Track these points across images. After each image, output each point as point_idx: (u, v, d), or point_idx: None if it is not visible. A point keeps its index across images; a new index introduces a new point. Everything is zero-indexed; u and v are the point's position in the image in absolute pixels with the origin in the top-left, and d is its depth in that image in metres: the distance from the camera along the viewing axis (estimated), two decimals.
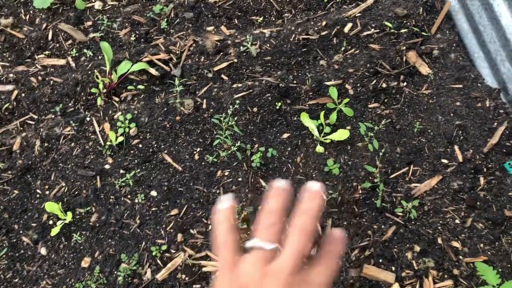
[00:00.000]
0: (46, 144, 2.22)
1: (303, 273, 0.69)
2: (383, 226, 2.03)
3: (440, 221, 2.00)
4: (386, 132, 2.24)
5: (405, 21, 2.48)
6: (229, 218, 0.76)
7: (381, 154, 2.15)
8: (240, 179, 2.17)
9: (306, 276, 0.69)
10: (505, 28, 2.21)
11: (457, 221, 1.98)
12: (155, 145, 2.25)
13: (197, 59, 2.47)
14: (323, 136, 2.23)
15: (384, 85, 2.37)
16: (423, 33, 2.44)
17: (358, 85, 2.38)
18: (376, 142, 2.16)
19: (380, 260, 1.96)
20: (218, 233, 0.74)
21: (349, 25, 2.51)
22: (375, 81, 2.38)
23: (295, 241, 0.71)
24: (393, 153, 2.19)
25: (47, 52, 2.46)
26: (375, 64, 2.41)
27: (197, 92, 2.40)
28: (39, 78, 2.36)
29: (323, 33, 2.52)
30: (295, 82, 2.42)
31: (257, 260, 0.69)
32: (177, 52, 2.47)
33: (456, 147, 2.14)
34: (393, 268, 1.94)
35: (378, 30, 2.48)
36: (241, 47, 2.49)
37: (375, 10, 2.54)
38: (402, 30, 2.45)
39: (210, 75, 2.44)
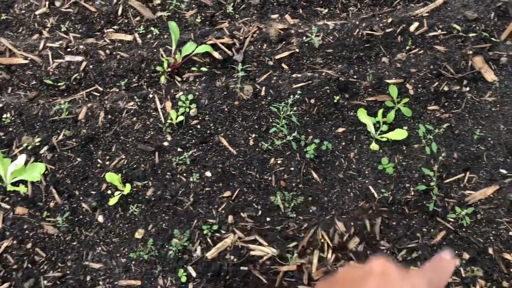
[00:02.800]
0: (109, 116, 2.31)
1: None
2: (432, 230, 2.03)
3: (493, 232, 1.98)
4: (444, 136, 2.22)
5: (474, 25, 2.42)
6: None
7: (439, 158, 2.13)
8: (292, 168, 2.20)
9: None
10: None
11: (511, 233, 1.96)
12: (213, 127, 2.30)
13: (259, 46, 2.50)
14: (379, 134, 2.23)
15: (446, 88, 2.33)
16: (492, 39, 2.38)
17: (419, 85, 2.36)
18: (435, 145, 2.14)
19: None
20: None
21: (415, 24, 2.48)
22: (437, 83, 2.35)
23: None
24: (450, 158, 2.16)
25: (115, 27, 2.53)
26: (439, 66, 2.38)
27: (256, 79, 2.43)
28: (107, 51, 2.44)
29: (387, 30, 2.50)
30: (355, 77, 2.42)
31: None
32: (241, 37, 2.50)
33: None
34: None
35: (445, 32, 2.44)
36: (304, 38, 2.50)
37: (444, 11, 2.49)
38: (470, 34, 2.40)
39: (271, 63, 2.47)
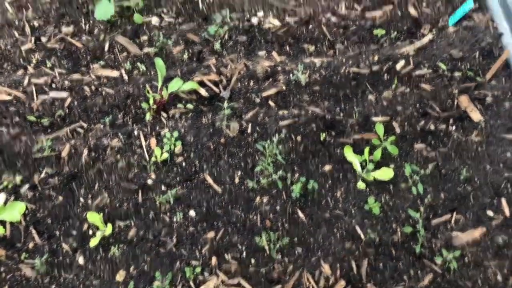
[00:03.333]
0: (93, 154, 2.28)
1: None
2: (420, 273, 1.99)
3: (481, 275, 1.94)
4: (431, 176, 2.21)
5: (459, 64, 2.44)
6: None
7: (425, 199, 2.11)
8: (278, 207, 2.17)
9: None
10: None
11: (499, 277, 1.93)
12: (198, 165, 2.28)
13: (246, 83, 2.50)
14: (365, 173, 2.21)
15: (432, 127, 2.33)
16: (478, 78, 2.40)
17: (406, 124, 2.36)
18: (421, 187, 2.13)
19: None
20: None
21: (402, 62, 2.50)
22: (423, 121, 2.35)
23: None
24: (437, 198, 2.14)
25: (102, 63, 2.53)
26: (425, 104, 2.38)
27: (243, 116, 2.42)
28: (92, 87, 2.43)
29: (374, 68, 2.51)
30: (341, 114, 2.41)
31: None
32: (228, 74, 2.50)
33: (503, 200, 2.09)
34: None
35: (431, 71, 2.46)
36: (291, 75, 2.50)
37: (430, 50, 2.51)
38: (456, 73, 2.41)
39: (257, 100, 2.46)
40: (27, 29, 2.55)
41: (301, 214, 2.14)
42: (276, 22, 2.64)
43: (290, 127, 2.36)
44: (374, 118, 2.38)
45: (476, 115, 2.31)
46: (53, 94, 2.39)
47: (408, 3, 2.66)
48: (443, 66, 2.44)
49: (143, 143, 2.31)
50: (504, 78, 2.38)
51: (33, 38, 2.54)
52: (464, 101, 2.35)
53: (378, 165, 2.26)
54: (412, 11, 2.64)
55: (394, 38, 2.62)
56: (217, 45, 2.58)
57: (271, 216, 2.15)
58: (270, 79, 2.52)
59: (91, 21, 2.61)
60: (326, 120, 2.38)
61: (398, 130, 2.35)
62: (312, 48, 2.62)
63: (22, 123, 2.35)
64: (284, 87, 2.48)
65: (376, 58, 2.52)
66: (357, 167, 2.23)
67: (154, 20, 2.62)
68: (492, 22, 2.54)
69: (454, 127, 2.32)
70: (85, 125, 2.37)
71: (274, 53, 2.60)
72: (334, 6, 2.69)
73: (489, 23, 2.53)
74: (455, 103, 2.36)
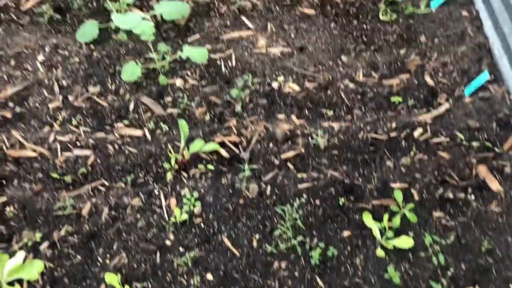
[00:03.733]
0: (113, 213, 2.29)
1: None
2: None
3: None
4: (451, 245, 2.19)
5: (476, 134, 2.48)
6: None
7: (446, 270, 2.09)
8: (297, 273, 2.15)
9: None
10: None
11: None
12: (216, 227, 2.28)
13: (266, 145, 2.54)
14: (385, 240, 2.20)
15: (450, 195, 2.34)
16: (495, 149, 2.43)
17: (424, 191, 2.37)
18: (442, 257, 2.11)
19: None
20: None
21: (419, 130, 2.54)
22: (442, 189, 2.36)
23: None
24: (458, 269, 2.12)
25: (126, 122, 2.59)
26: (443, 172, 2.40)
27: (262, 178, 2.44)
28: (116, 146, 2.48)
29: (392, 134, 2.55)
30: (360, 179, 2.43)
31: None
32: (248, 136, 2.55)
33: None
34: None
35: (448, 139, 2.49)
36: (310, 138, 2.54)
37: (447, 119, 2.56)
38: (474, 143, 2.45)
39: (276, 162, 2.49)
40: (56, 88, 2.64)
41: (320, 282, 2.12)
42: (296, 87, 2.72)
43: (309, 190, 2.38)
44: (393, 185, 2.39)
45: (495, 185, 2.32)
46: (77, 151, 2.44)
47: (425, 72, 2.73)
48: (460, 135, 2.48)
49: (163, 203, 2.32)
50: None
51: (61, 97, 2.62)
52: (482, 170, 2.37)
53: (397, 232, 2.26)
54: (429, 80, 2.71)
55: (411, 106, 2.68)
56: (238, 107, 2.64)
57: (289, 283, 2.12)
58: (289, 142, 2.56)
59: (117, 82, 2.69)
60: (345, 184, 2.40)
61: (416, 197, 2.35)
62: (330, 112, 2.68)
63: (45, 180, 2.39)
64: (303, 150, 2.52)
65: (393, 124, 2.57)
66: (377, 234, 2.22)
67: (179, 82, 2.71)
68: (508, 94, 2.60)
69: (473, 196, 2.32)
70: (106, 183, 2.40)
71: (293, 117, 2.66)
72: (352, 73, 2.77)
73: (505, 95, 2.60)
74: (474, 172, 2.38)
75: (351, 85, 2.74)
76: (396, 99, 2.69)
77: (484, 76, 2.60)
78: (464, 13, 2.92)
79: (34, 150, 2.43)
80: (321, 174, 2.45)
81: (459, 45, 2.82)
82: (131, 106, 2.63)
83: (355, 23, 3.01)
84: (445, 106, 2.61)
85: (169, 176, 2.41)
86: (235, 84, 2.72)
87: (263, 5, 3.02)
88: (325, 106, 2.72)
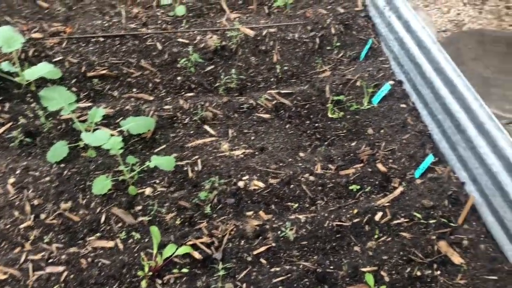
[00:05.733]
0: None
1: None
2: None
3: None
4: None
5: (432, 212, 2.67)
6: None
7: None
8: None
9: None
10: None
11: None
12: None
13: (237, 243, 2.61)
14: None
15: (418, 273, 2.44)
16: (451, 224, 2.61)
17: (393, 272, 2.46)
18: None
19: None
20: None
21: (379, 213, 2.70)
22: (409, 268, 2.47)
23: None
24: None
25: (98, 234, 2.63)
26: (408, 252, 2.53)
27: (236, 276, 2.48)
28: (89, 259, 2.48)
29: (355, 220, 2.69)
30: (331, 267, 2.51)
31: None
32: (219, 236, 2.63)
33: None
34: None
35: (407, 220, 2.66)
36: (279, 232, 2.65)
37: (403, 201, 2.75)
38: (431, 221, 2.62)
39: (249, 258, 2.56)
40: (27, 208, 2.68)
41: None
42: (261, 184, 2.88)
43: (284, 283, 2.43)
44: (363, 269, 2.48)
45: (457, 259, 2.46)
46: (49, 269, 2.43)
47: (376, 160, 2.98)
48: (417, 215, 2.66)
49: None
50: (474, 221, 2.60)
51: (32, 216, 2.65)
52: (443, 246, 2.52)
53: None
54: (381, 167, 2.94)
55: (369, 192, 2.87)
56: (207, 209, 2.75)
57: None
58: (260, 237, 2.65)
59: (88, 196, 2.77)
60: (318, 274, 2.47)
61: (387, 279, 2.44)
62: (295, 205, 2.82)
63: None
64: (273, 244, 2.61)
65: (355, 211, 2.72)
66: None
67: (148, 191, 2.82)
68: (453, 173, 2.85)
69: (439, 272, 2.44)
70: None
71: (261, 212, 2.78)
72: (310, 167, 2.98)
73: (451, 174, 2.84)
74: (435, 248, 2.52)
75: (311, 178, 2.92)
76: (354, 187, 2.88)
77: (430, 159, 2.86)
78: (403, 105, 3.27)
79: (5, 273, 2.40)
80: (294, 266, 2.52)
81: (403, 133, 3.12)
82: (103, 219, 2.69)
83: (307, 122, 3.29)
84: (399, 189, 2.82)
85: (143, 284, 2.41)
86: (202, 187, 2.85)
87: (223, 113, 3.27)
88: (290, 199, 2.87)
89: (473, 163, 2.71)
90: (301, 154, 3.12)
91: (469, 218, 2.62)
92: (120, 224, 2.69)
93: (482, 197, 2.64)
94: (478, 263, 2.43)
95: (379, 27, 3.77)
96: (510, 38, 4.29)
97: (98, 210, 2.73)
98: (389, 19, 3.62)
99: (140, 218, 2.72)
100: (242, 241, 2.64)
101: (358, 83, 3.40)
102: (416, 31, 3.32)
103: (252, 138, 3.21)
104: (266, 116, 3.33)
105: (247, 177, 2.92)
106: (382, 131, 3.18)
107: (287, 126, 3.30)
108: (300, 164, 3.02)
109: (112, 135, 2.95)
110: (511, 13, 4.61)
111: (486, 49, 4.16)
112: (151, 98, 3.41)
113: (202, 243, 2.61)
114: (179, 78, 3.52)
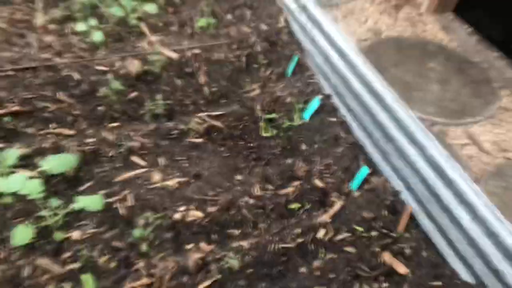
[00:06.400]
0: None
1: None
2: None
3: None
4: None
5: (373, 223, 2.67)
6: None
7: None
8: None
9: None
10: (467, 230, 2.41)
11: None
12: None
13: (180, 280, 2.45)
14: None
15: None
16: (392, 234, 2.63)
17: None
18: None
19: None
20: None
21: (322, 230, 2.67)
22: (358, 284, 2.44)
23: None
24: None
25: None
26: (354, 267, 2.50)
27: None
28: None
29: (299, 240, 2.63)
30: None
31: None
32: (159, 274, 2.45)
33: None
34: None
35: (350, 234, 2.64)
36: (222, 263, 2.52)
37: (344, 215, 2.74)
38: (372, 233, 2.63)
39: None
40: None
41: None
42: (199, 214, 2.74)
43: None
44: None
45: (402, 268, 2.47)
46: None
47: (313, 176, 2.95)
48: (359, 228, 2.65)
49: None
50: (414, 229, 2.64)
51: None
52: (387, 257, 2.52)
53: None
54: (318, 182, 2.92)
55: (309, 209, 2.83)
56: (143, 247, 2.56)
57: None
58: (203, 271, 2.51)
59: (7, 249, 2.48)
60: None
61: None
62: (237, 231, 2.71)
63: None
64: (219, 276, 2.47)
65: (298, 230, 2.67)
66: None
67: (76, 235, 2.57)
68: (388, 182, 2.89)
69: (387, 284, 2.43)
70: None
71: (202, 244, 2.63)
72: (249, 190, 2.89)
73: (386, 183, 2.88)
74: (380, 260, 2.52)
75: (251, 201, 2.83)
76: (294, 205, 2.83)
77: (365, 171, 2.88)
78: (333, 119, 3.29)
79: None
80: None
81: (336, 147, 3.13)
82: (26, 272, 2.41)
83: (241, 143, 3.21)
84: (339, 203, 2.81)
85: None
86: (136, 224, 2.66)
87: (151, 142, 3.10)
88: (231, 226, 2.75)
89: (406, 172, 2.76)
90: (238, 177, 3.02)
91: (409, 227, 2.66)
92: (46, 276, 2.42)
93: (419, 204, 2.69)
94: (422, 271, 2.46)
95: (303, 42, 3.80)
96: (424, 43, 4.53)
97: (20, 263, 2.44)
98: (311, 34, 3.66)
99: (70, 266, 2.47)
100: (185, 277, 2.47)
101: (288, 100, 3.39)
102: (339, 44, 3.37)
103: (185, 165, 3.07)
104: (198, 140, 3.21)
105: (183, 207, 2.76)
106: (316, 146, 3.17)
107: (221, 149, 3.20)
108: (238, 187, 2.93)
109: (31, 177, 2.69)
110: (423, 20, 4.88)
111: (405, 55, 4.35)
112: (72, 132, 3.16)
113: (141, 285, 2.41)
114: (100, 108, 3.30)
